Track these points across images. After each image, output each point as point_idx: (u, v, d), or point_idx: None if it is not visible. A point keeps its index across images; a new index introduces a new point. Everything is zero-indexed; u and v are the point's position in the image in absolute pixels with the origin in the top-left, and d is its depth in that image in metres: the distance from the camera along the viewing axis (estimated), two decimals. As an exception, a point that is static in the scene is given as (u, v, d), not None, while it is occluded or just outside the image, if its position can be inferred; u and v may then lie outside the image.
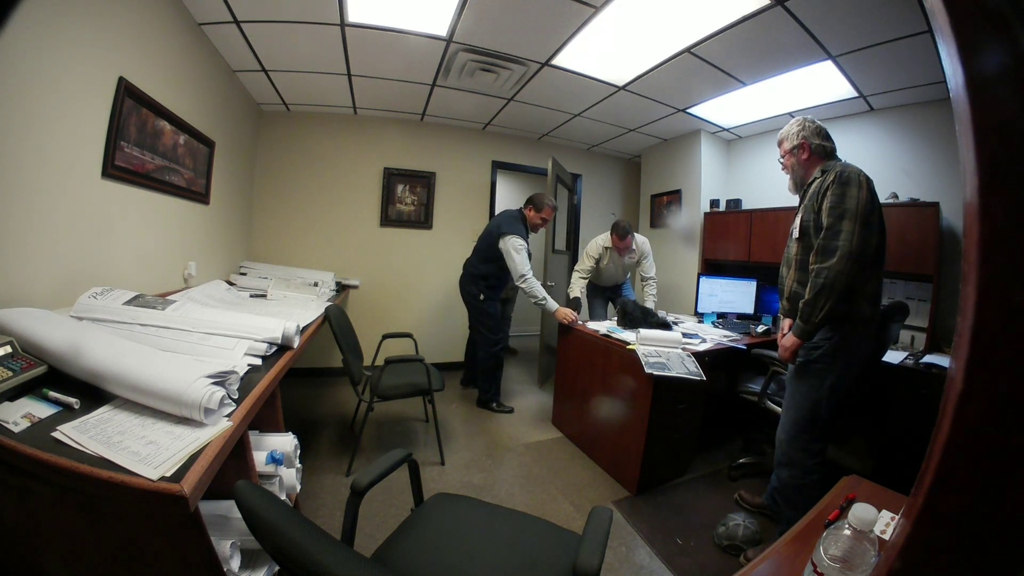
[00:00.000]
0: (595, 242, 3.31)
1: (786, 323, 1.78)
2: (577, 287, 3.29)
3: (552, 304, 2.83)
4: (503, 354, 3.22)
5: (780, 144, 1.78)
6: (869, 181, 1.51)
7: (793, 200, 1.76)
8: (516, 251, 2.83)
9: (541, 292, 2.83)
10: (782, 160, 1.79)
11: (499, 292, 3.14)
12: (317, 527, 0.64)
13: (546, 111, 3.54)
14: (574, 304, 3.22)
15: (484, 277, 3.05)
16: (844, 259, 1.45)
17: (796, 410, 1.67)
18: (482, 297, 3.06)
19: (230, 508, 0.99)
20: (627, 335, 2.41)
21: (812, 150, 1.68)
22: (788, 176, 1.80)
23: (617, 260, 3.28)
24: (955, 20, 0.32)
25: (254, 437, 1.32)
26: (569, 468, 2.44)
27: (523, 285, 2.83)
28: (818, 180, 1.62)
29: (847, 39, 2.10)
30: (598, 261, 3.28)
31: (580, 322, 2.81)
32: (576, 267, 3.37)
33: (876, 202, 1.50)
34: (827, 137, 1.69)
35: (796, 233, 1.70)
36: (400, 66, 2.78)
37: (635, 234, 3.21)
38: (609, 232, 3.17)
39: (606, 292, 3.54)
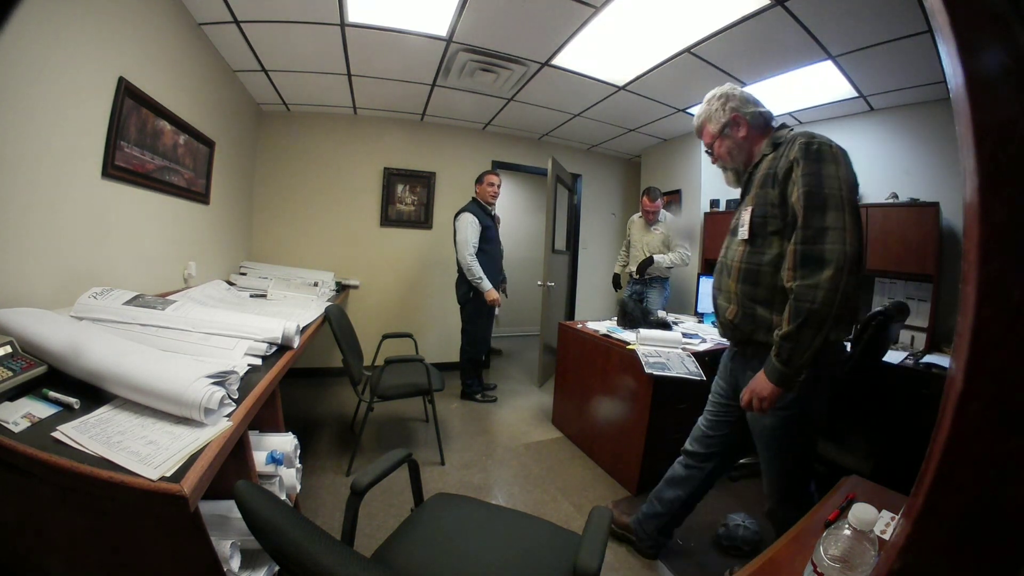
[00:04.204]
0: (631, 218, 3.65)
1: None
2: (617, 265, 3.75)
3: (487, 284, 3.06)
4: (483, 355, 3.46)
5: (702, 130, 1.39)
6: (845, 152, 1.14)
7: None
8: (465, 226, 3.05)
9: (478, 272, 3.04)
10: (710, 151, 1.40)
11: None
12: (317, 527, 0.64)
13: (546, 111, 3.54)
14: (615, 280, 3.81)
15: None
16: (840, 271, 1.04)
17: (779, 470, 1.35)
18: (472, 295, 3.15)
19: (230, 508, 0.99)
20: (627, 335, 2.41)
21: (750, 122, 1.30)
22: (724, 169, 1.41)
23: (643, 234, 3.45)
24: (955, 20, 0.32)
25: (254, 437, 1.32)
26: (569, 468, 2.44)
27: (463, 260, 3.05)
28: (768, 158, 1.24)
29: (847, 39, 2.10)
30: (629, 238, 3.59)
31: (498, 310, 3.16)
32: None
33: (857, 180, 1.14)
34: (759, 102, 1.32)
35: (744, 233, 1.27)
36: (400, 66, 2.78)
37: (667, 212, 3.45)
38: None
39: (634, 287, 3.54)
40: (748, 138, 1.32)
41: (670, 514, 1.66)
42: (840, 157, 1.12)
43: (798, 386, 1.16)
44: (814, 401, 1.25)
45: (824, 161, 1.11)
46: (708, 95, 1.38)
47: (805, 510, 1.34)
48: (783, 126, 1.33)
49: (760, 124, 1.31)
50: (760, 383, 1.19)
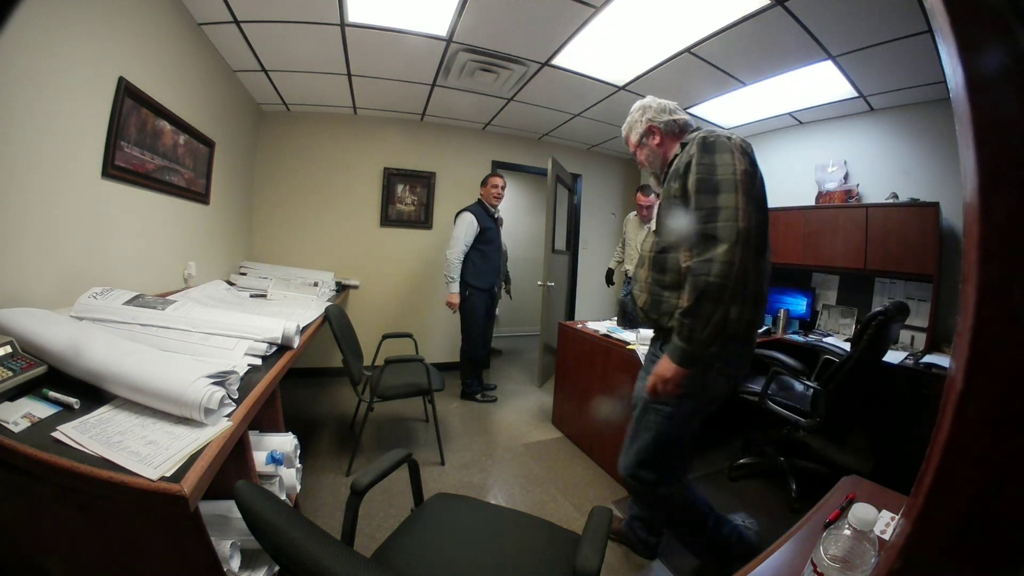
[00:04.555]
0: (627, 216, 3.65)
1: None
2: (612, 261, 3.79)
3: (455, 287, 3.11)
4: (483, 355, 3.48)
5: (627, 140, 1.52)
6: (746, 146, 1.20)
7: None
8: (460, 224, 3.11)
9: (454, 272, 3.09)
10: (636, 157, 1.53)
11: (482, 282, 3.19)
12: (317, 527, 0.64)
13: (546, 111, 3.54)
14: (608, 275, 3.83)
15: (464, 272, 3.16)
16: (733, 244, 1.08)
17: (642, 444, 1.38)
18: (467, 293, 3.16)
19: (230, 508, 0.99)
20: (627, 335, 2.41)
21: (663, 131, 1.41)
22: (649, 173, 1.53)
23: (638, 232, 3.42)
24: (955, 20, 0.32)
25: (254, 437, 1.32)
26: (569, 468, 2.44)
27: (448, 255, 3.09)
28: (678, 156, 1.33)
29: (847, 39, 2.10)
30: (625, 236, 3.60)
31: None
32: None
33: (758, 172, 1.19)
34: (675, 111, 1.43)
35: (653, 225, 1.41)
36: (400, 66, 2.78)
37: None
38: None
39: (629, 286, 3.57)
40: (662, 144, 1.43)
41: (648, 514, 1.69)
42: (736, 149, 1.18)
43: (701, 367, 1.19)
44: (697, 387, 1.25)
45: (718, 152, 1.18)
46: (634, 106, 1.49)
47: (651, 498, 1.40)
48: (696, 129, 1.40)
49: (674, 131, 1.41)
50: (663, 365, 1.21)
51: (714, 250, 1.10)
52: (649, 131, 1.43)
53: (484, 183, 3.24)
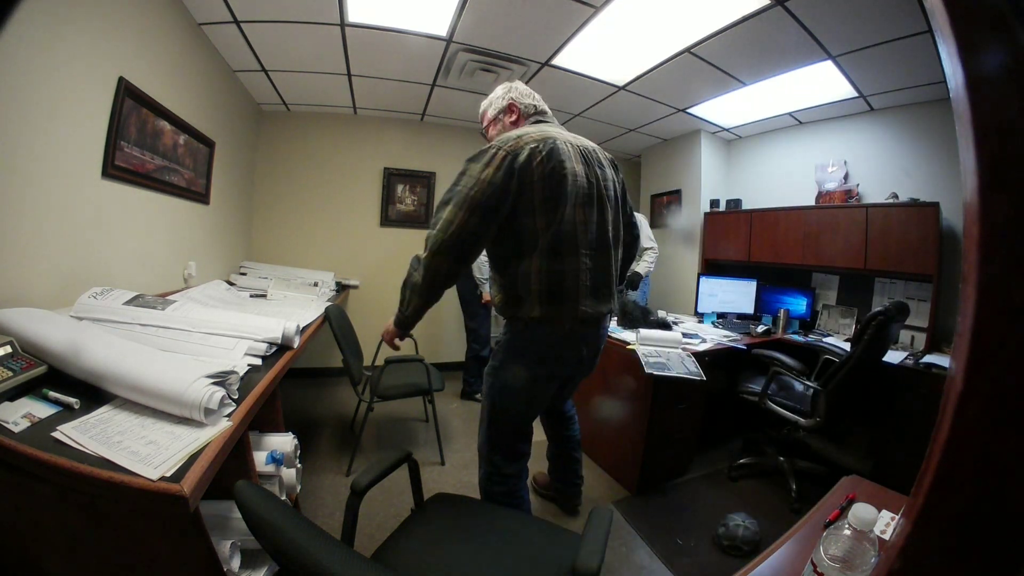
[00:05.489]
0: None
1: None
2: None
3: (486, 288, 3.04)
4: (487, 355, 3.42)
5: (483, 116, 1.52)
6: (511, 156, 1.18)
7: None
8: None
9: (487, 274, 2.98)
10: (486, 134, 1.52)
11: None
12: (317, 527, 0.64)
13: (546, 111, 3.53)
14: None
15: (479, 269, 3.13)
16: (430, 252, 1.22)
17: (483, 429, 1.53)
18: (479, 291, 3.17)
19: (230, 508, 0.99)
20: (627, 335, 2.41)
21: (522, 111, 1.43)
22: None
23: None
24: (955, 20, 0.32)
25: (254, 437, 1.32)
26: (569, 468, 2.43)
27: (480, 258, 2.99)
28: None
29: (847, 39, 2.09)
30: None
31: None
32: None
33: (514, 182, 1.17)
34: (538, 102, 1.45)
35: None
36: (400, 66, 2.78)
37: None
38: None
39: None
40: (516, 124, 1.44)
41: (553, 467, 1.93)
42: (495, 160, 1.18)
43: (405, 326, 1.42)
44: (508, 376, 1.42)
45: (474, 162, 1.22)
46: (498, 88, 1.50)
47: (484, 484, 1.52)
48: (542, 120, 1.43)
49: (529, 113, 1.43)
50: (390, 320, 1.45)
51: (422, 253, 1.25)
52: (509, 108, 1.43)
53: None
